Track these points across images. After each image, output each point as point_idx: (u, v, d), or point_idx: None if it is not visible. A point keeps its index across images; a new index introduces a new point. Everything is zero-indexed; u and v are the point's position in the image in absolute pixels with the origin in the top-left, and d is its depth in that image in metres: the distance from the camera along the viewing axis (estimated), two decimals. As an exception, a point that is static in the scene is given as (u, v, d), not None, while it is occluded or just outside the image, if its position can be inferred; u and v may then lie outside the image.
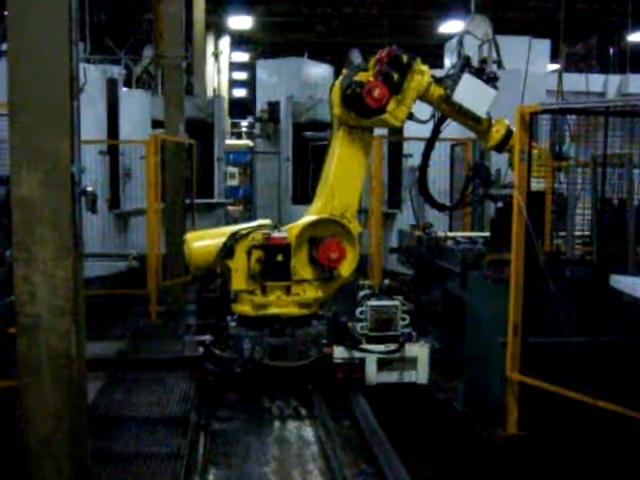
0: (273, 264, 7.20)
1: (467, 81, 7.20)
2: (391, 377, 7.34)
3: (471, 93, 7.22)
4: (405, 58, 7.13)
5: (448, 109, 7.36)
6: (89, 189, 4.21)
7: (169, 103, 11.70)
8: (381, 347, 7.25)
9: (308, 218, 7.53)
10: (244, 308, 7.36)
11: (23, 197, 4.04)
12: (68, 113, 4.05)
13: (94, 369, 8.09)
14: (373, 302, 7.34)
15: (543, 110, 6.16)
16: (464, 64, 7.29)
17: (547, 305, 6.05)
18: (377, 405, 6.88)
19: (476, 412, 6.92)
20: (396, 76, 7.03)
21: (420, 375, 7.38)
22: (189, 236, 7.87)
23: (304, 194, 16.86)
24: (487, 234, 9.43)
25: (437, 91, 7.23)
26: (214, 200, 15.76)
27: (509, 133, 7.43)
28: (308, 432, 6.58)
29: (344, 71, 7.40)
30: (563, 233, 7.82)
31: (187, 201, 12.14)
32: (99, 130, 12.91)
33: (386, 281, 8.36)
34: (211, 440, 6.24)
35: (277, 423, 6.80)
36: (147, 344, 9.59)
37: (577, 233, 7.99)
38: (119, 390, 7.66)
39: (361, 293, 7.62)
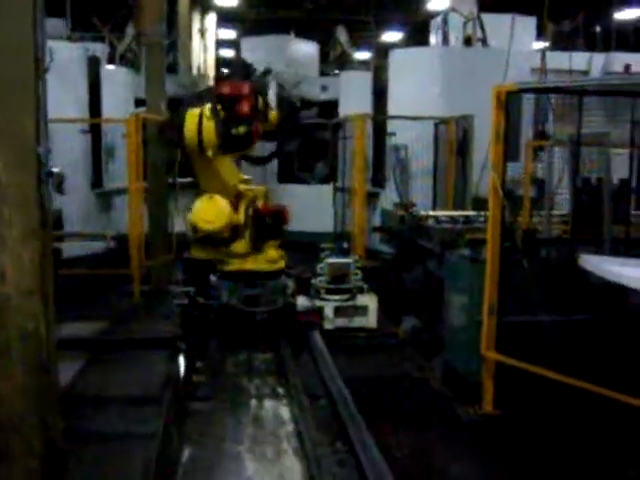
0: None
1: None
2: (345, 322, 8.69)
3: None
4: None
5: None
6: (55, 170, 4.19)
7: (150, 81, 11.56)
8: (337, 297, 8.62)
9: None
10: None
11: (-12, 178, 4.02)
12: (32, 94, 4.02)
13: (74, 349, 8.19)
14: (331, 260, 8.74)
15: (519, 89, 6.13)
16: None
17: (523, 284, 6.07)
18: (356, 388, 6.88)
19: (454, 391, 6.97)
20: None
21: (369, 320, 8.75)
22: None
23: (290, 173, 16.86)
24: (469, 213, 9.47)
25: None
26: (198, 179, 15.64)
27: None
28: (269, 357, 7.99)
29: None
30: (543, 212, 7.87)
31: (170, 180, 12.06)
32: (80, 108, 12.85)
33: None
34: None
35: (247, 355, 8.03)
36: (129, 324, 9.58)
37: (557, 212, 8.05)
38: (98, 370, 7.65)
39: (322, 254, 8.92)
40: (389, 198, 12.36)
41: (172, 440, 5.64)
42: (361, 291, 8.76)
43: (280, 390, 7.05)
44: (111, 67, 15.55)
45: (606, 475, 5.28)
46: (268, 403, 6.76)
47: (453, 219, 8.91)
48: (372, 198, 13.40)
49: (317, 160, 16.57)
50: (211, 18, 25.16)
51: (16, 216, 4.04)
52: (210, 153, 7.47)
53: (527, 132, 11.16)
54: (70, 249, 11.09)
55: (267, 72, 8.64)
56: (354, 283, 8.75)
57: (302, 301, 8.59)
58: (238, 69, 8.08)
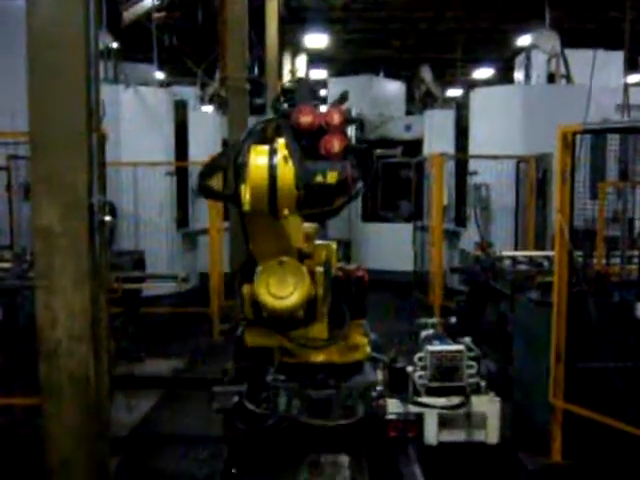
0: None
1: None
2: (454, 436, 6.22)
3: None
4: None
5: None
6: (107, 218, 4.35)
7: (233, 123, 11.85)
8: (443, 400, 6.14)
9: None
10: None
11: (43, 227, 4.20)
12: (85, 147, 4.20)
13: (150, 387, 8.46)
14: (434, 347, 6.22)
15: (584, 130, 6.00)
16: None
17: (592, 329, 5.89)
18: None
19: (522, 438, 6.77)
20: None
21: (490, 433, 6.19)
22: None
23: (374, 212, 16.91)
24: (549, 253, 9.25)
25: None
26: (281, 219, 15.88)
27: None
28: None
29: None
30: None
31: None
32: (167, 151, 13.25)
33: (452, 319, 7.36)
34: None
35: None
36: (205, 362, 9.75)
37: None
38: (169, 408, 7.90)
39: (423, 334, 6.66)
40: (471, 237, 12.22)
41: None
42: (477, 391, 6.24)
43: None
44: (200, 109, 16.02)
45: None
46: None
47: (531, 260, 8.71)
48: (454, 237, 13.28)
49: (401, 198, 16.58)
50: (302, 59, 25.65)
51: (67, 265, 4.22)
52: (285, 212, 4.21)
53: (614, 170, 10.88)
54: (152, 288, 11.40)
55: (343, 97, 5.10)
56: (467, 380, 6.20)
57: (394, 405, 5.72)
58: (304, 92, 4.57)
